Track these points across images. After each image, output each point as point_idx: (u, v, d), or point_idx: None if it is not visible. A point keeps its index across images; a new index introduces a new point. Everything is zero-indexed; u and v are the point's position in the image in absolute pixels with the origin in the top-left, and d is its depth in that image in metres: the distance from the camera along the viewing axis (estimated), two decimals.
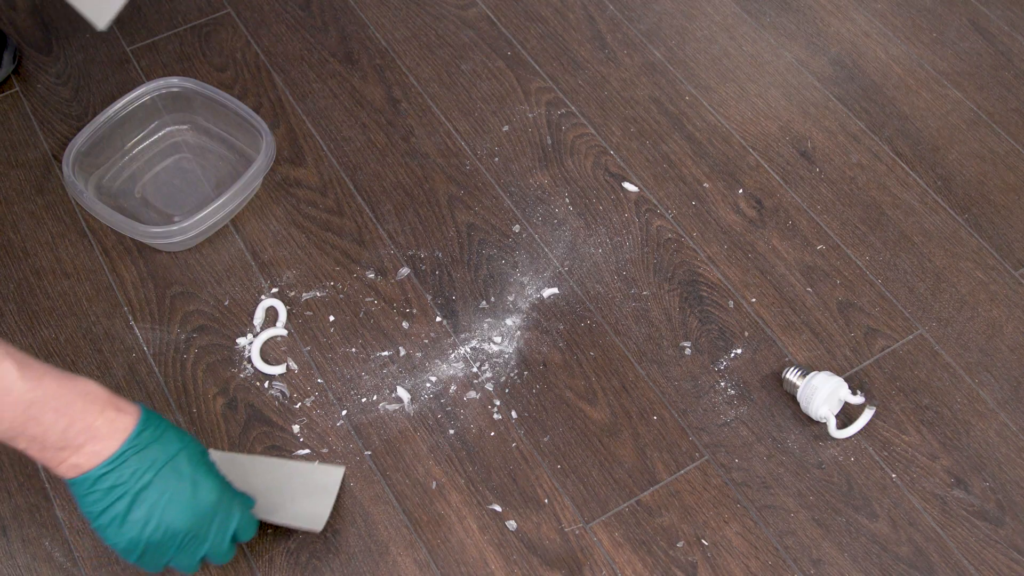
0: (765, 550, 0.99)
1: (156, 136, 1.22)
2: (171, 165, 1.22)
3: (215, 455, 0.96)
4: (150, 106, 1.20)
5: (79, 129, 1.24)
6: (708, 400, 1.08)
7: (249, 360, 1.08)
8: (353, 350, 1.10)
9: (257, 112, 1.25)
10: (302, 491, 0.98)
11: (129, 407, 0.84)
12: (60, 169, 1.20)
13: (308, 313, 1.12)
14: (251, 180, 1.14)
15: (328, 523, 0.98)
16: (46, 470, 0.82)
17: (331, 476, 0.99)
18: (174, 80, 1.20)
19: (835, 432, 1.05)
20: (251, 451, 1.03)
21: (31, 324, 1.10)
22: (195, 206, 1.15)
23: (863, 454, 1.05)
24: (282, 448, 1.03)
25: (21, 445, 0.81)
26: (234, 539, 0.89)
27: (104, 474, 0.82)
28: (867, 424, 1.05)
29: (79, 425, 0.81)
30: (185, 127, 1.23)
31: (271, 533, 0.98)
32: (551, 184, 1.23)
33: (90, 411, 0.81)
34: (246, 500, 0.90)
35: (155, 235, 1.11)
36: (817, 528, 1.00)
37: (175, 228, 1.10)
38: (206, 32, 1.35)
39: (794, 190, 1.24)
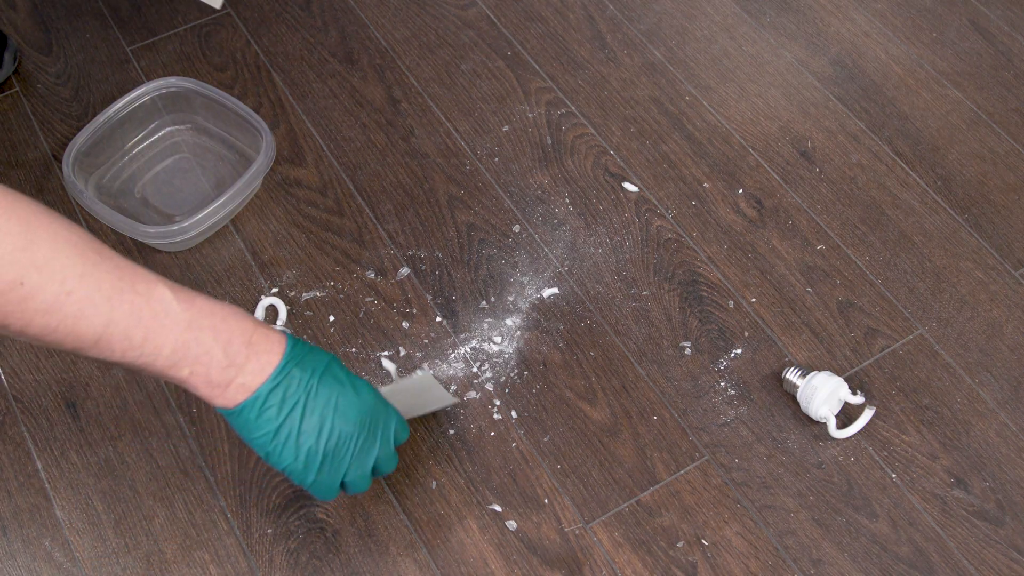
0: (765, 550, 0.99)
1: (156, 136, 1.22)
2: (171, 165, 1.22)
3: None
4: (150, 106, 1.20)
5: (79, 129, 1.24)
6: (708, 400, 1.08)
7: None
8: (353, 350, 1.10)
9: (257, 112, 1.25)
10: (418, 392, 0.99)
11: (273, 328, 0.84)
12: (60, 169, 1.20)
13: (308, 313, 1.12)
14: (251, 180, 1.14)
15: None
16: (209, 403, 0.80)
17: (426, 380, 0.99)
18: (174, 80, 1.20)
19: (835, 432, 1.05)
20: (251, 452, 1.03)
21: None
22: (195, 206, 1.15)
23: (863, 454, 1.05)
24: None
25: (184, 372, 0.79)
26: (395, 442, 0.90)
27: (275, 387, 0.81)
28: (867, 424, 1.05)
29: (238, 342, 0.80)
30: (185, 127, 1.23)
31: (271, 533, 0.98)
32: (551, 184, 1.23)
33: (245, 328, 0.80)
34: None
35: (155, 235, 1.11)
36: (817, 528, 1.00)
37: (175, 228, 1.10)
38: (206, 32, 1.35)
39: (794, 190, 1.24)
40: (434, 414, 1.05)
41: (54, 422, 1.04)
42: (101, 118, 1.17)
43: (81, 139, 1.15)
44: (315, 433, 0.83)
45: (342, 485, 0.88)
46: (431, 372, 1.06)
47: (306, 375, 0.83)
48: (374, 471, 0.89)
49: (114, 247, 1.15)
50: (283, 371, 0.82)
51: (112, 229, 1.16)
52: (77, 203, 1.18)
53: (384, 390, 0.96)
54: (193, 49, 1.33)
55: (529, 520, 1.00)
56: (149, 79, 1.29)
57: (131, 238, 1.15)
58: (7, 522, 0.99)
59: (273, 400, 0.81)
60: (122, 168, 1.20)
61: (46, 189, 1.20)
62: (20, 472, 1.02)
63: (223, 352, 0.79)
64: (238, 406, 0.81)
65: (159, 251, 1.15)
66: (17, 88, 1.29)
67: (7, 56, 1.28)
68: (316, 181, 1.22)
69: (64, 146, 1.23)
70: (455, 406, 1.05)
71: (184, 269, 1.14)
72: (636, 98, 1.31)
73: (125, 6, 1.37)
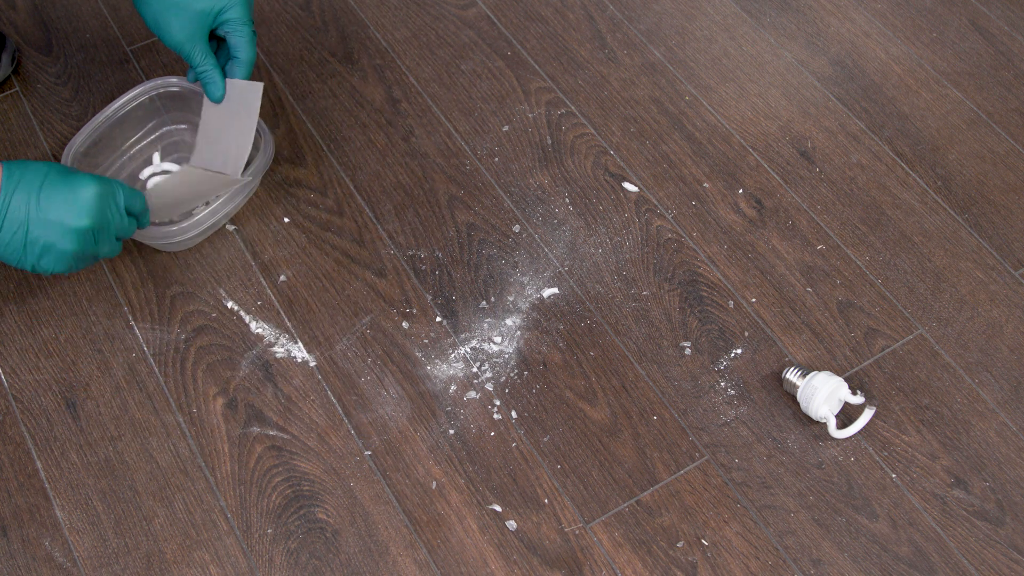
0: (765, 550, 0.99)
1: (155, 135, 1.22)
2: (172, 163, 1.21)
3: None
4: (149, 106, 1.20)
5: (79, 129, 1.24)
6: (708, 400, 1.08)
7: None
8: (353, 350, 1.10)
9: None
10: (190, 185, 1.10)
11: None
12: None
13: (308, 313, 1.12)
14: (250, 180, 1.14)
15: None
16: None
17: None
18: (173, 79, 1.20)
19: (835, 432, 1.05)
20: (251, 452, 1.03)
21: (31, 324, 1.10)
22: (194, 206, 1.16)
23: (863, 454, 1.05)
24: (282, 449, 1.03)
25: None
26: (130, 213, 1.01)
27: (2, 223, 0.93)
28: (867, 424, 1.05)
29: None
30: (184, 127, 1.23)
31: (271, 533, 0.98)
32: (551, 184, 1.23)
33: None
34: (118, 181, 1.01)
35: (155, 235, 1.11)
36: (817, 528, 1.00)
37: (175, 228, 1.10)
38: None
39: (794, 190, 1.24)
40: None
41: (54, 422, 1.04)
42: (99, 117, 1.17)
43: (80, 139, 1.15)
44: (56, 245, 0.96)
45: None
46: (190, 167, 1.11)
47: (24, 198, 0.94)
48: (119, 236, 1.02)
49: (118, 259, 1.15)
50: (3, 203, 0.93)
51: None
52: None
53: (149, 190, 1.07)
54: None
55: (529, 520, 1.00)
56: (149, 79, 1.29)
57: (131, 238, 1.15)
58: (7, 522, 0.99)
59: (6, 234, 0.94)
60: (121, 168, 1.20)
61: None
62: (20, 472, 1.02)
63: None
64: None
65: (159, 251, 1.15)
66: (17, 88, 1.29)
67: (6, 58, 1.28)
68: (316, 181, 1.22)
69: (64, 146, 1.23)
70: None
71: (184, 269, 1.14)
72: (636, 98, 1.31)
73: (125, 6, 1.37)
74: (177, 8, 1.06)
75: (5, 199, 0.93)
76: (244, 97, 1.12)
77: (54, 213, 0.94)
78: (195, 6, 1.06)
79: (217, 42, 1.13)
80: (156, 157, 1.20)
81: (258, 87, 1.12)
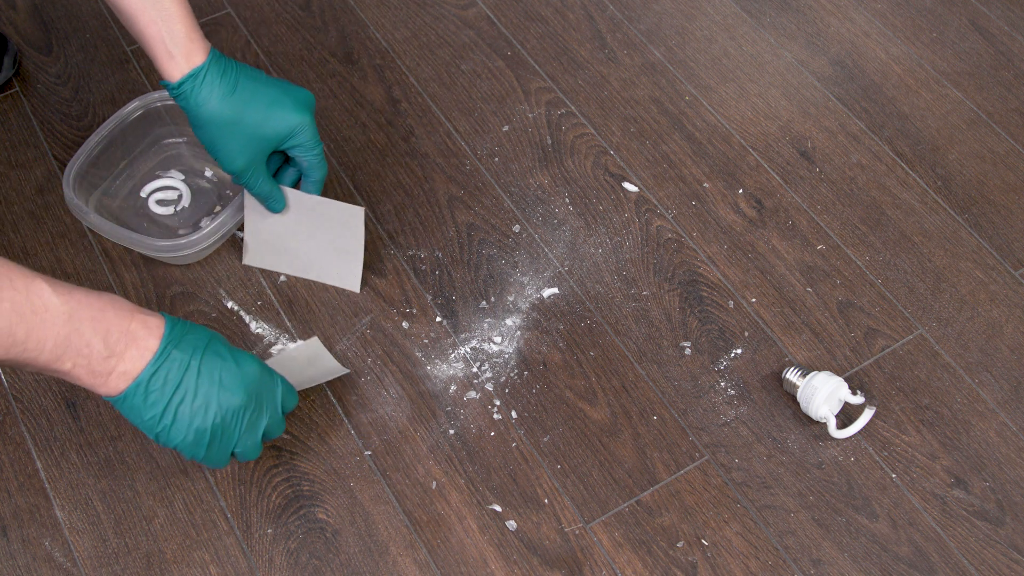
0: (765, 550, 0.99)
1: (157, 146, 1.21)
2: (174, 175, 1.21)
3: None
4: (151, 116, 1.19)
5: (79, 129, 1.24)
6: (708, 400, 1.08)
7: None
8: (353, 350, 1.10)
9: None
10: (307, 361, 1.06)
11: (151, 311, 0.86)
12: (60, 181, 1.20)
13: (308, 313, 1.12)
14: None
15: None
16: (94, 392, 0.85)
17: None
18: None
19: (835, 432, 1.05)
20: None
21: None
22: (198, 218, 1.17)
23: (863, 454, 1.05)
24: (282, 449, 1.03)
25: (67, 365, 0.81)
26: (283, 410, 0.93)
27: (155, 372, 0.83)
28: (867, 424, 1.05)
29: (117, 331, 0.82)
30: (182, 140, 1.22)
31: (271, 533, 0.98)
32: (551, 184, 1.23)
33: (123, 316, 0.83)
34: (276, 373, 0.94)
35: (164, 248, 1.09)
36: (817, 528, 1.00)
37: (184, 242, 1.09)
38: (206, 32, 1.35)
39: (794, 190, 1.24)
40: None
41: (54, 422, 1.04)
42: (100, 133, 1.14)
43: (80, 158, 1.12)
44: (202, 412, 0.86)
45: (233, 454, 0.92)
46: (317, 339, 1.09)
47: (186, 355, 0.85)
48: (264, 436, 0.93)
49: (114, 247, 1.15)
50: (162, 355, 0.84)
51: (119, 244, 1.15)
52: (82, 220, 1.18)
53: (272, 360, 1.02)
54: None
55: (529, 520, 1.00)
56: (149, 79, 1.29)
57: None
58: (7, 522, 0.99)
59: (156, 384, 0.84)
60: (123, 183, 1.19)
61: (46, 189, 1.20)
62: (20, 472, 1.02)
63: (103, 343, 0.81)
64: (121, 394, 0.84)
65: (166, 264, 1.15)
66: (17, 88, 1.29)
67: (7, 60, 1.28)
68: None
69: (64, 146, 1.23)
70: (348, 376, 1.07)
71: (184, 270, 1.14)
72: (636, 98, 1.31)
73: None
74: (243, 135, 1.00)
75: (167, 349, 0.84)
76: (343, 218, 1.08)
77: (211, 381, 0.86)
78: (262, 132, 1.01)
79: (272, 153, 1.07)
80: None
81: (360, 213, 1.08)
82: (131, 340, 0.83)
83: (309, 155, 1.05)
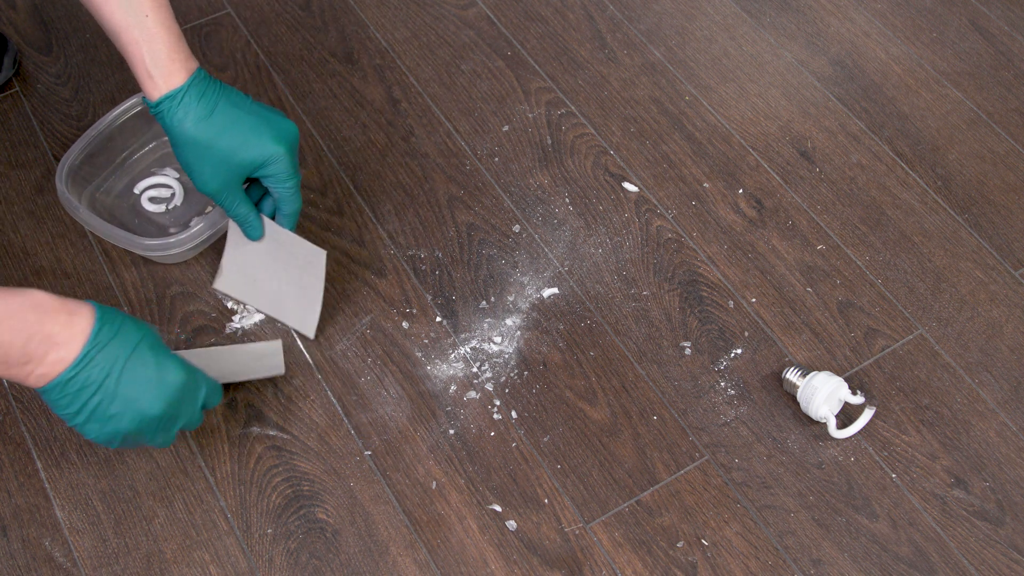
0: (765, 550, 0.99)
1: (151, 145, 1.21)
2: (169, 173, 1.21)
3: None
4: (144, 115, 1.19)
5: (79, 129, 1.24)
6: (708, 400, 1.08)
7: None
8: (353, 350, 1.10)
9: None
10: (254, 357, 1.06)
11: (82, 308, 0.85)
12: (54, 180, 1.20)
13: None
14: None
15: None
16: (16, 384, 0.85)
17: (273, 348, 1.07)
18: None
19: (835, 432, 1.05)
20: (251, 452, 1.03)
21: None
22: (191, 215, 1.16)
23: (863, 454, 1.05)
24: (282, 449, 1.03)
25: None
26: (204, 407, 0.94)
27: (71, 377, 0.84)
28: (867, 424, 1.05)
29: (37, 337, 0.82)
30: None
31: (271, 533, 0.98)
32: (551, 184, 1.23)
33: (45, 321, 0.82)
34: (204, 374, 0.94)
35: (153, 247, 1.09)
36: (817, 528, 1.00)
37: (172, 241, 1.09)
38: (206, 32, 1.35)
39: (794, 190, 1.24)
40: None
41: (54, 422, 1.04)
42: (97, 128, 1.15)
43: (74, 153, 1.12)
44: (116, 418, 0.86)
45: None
46: (280, 342, 1.08)
47: (108, 362, 0.85)
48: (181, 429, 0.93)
49: (114, 247, 1.15)
50: (82, 360, 0.84)
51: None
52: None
53: (222, 349, 1.04)
54: (193, 49, 1.33)
55: (529, 520, 1.00)
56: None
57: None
58: (7, 522, 0.99)
59: (71, 389, 0.84)
60: (117, 179, 1.19)
61: (46, 189, 1.20)
62: (20, 472, 1.02)
63: (22, 350, 0.82)
64: (40, 388, 0.85)
65: (156, 262, 1.15)
66: (17, 88, 1.29)
67: (7, 60, 1.28)
68: (316, 181, 1.22)
69: (64, 147, 1.23)
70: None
71: (184, 270, 1.14)
72: (636, 98, 1.31)
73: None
74: (216, 159, 1.00)
75: (89, 354, 0.84)
76: (307, 258, 1.10)
77: (131, 390, 0.86)
78: (235, 159, 1.00)
79: (248, 181, 1.07)
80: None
81: (322, 256, 1.11)
82: (52, 345, 0.83)
83: (281, 187, 1.04)
